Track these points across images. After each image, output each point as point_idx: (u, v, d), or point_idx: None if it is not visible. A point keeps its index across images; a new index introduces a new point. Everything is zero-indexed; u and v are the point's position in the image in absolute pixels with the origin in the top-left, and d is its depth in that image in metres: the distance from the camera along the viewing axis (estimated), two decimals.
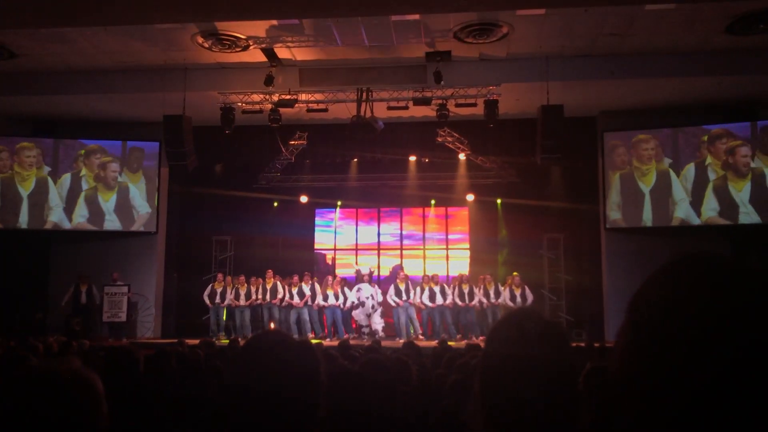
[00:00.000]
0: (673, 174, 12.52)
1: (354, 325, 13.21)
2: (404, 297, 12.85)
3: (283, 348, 1.41)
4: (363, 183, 15.51)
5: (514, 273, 13.05)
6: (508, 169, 14.78)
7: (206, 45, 10.80)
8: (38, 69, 11.80)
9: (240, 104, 12.29)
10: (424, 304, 12.86)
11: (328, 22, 9.87)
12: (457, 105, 11.73)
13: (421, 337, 12.39)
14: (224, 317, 13.30)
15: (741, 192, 11.98)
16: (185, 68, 11.73)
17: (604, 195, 12.97)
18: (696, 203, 12.30)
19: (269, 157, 14.61)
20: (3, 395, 1.27)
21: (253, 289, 13.16)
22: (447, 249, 15.85)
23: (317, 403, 1.39)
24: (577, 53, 11.11)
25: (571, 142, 12.06)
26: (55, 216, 13.46)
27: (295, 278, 13.20)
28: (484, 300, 12.73)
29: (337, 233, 16.19)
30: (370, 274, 13.93)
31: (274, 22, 10.00)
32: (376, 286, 13.39)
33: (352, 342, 9.13)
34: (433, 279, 13.19)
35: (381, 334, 12.43)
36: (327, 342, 11.12)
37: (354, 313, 12.99)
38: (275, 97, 11.98)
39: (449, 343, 8.71)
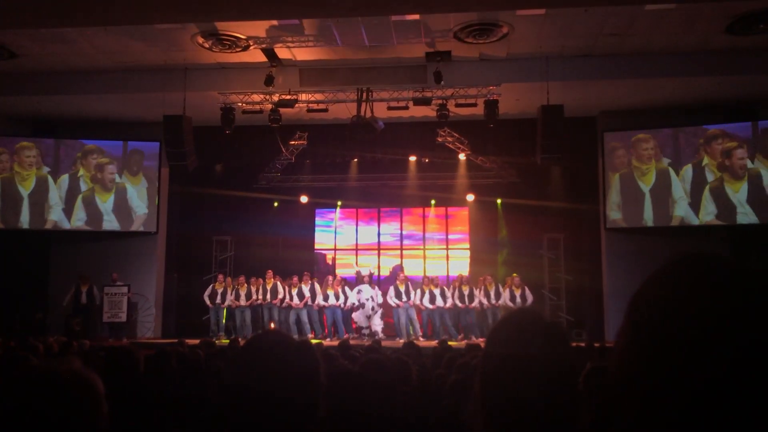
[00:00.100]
0: (672, 172, 12.53)
1: (354, 326, 13.20)
2: (404, 298, 12.85)
3: (283, 348, 1.41)
4: (363, 183, 15.51)
5: (514, 274, 13.05)
6: (508, 169, 14.78)
7: (206, 45, 10.80)
8: (38, 69, 11.80)
9: (240, 104, 12.30)
10: (424, 306, 12.86)
11: (328, 22, 9.88)
12: (457, 105, 11.74)
13: (420, 338, 12.37)
14: (224, 318, 13.30)
15: (738, 193, 12.00)
16: (185, 68, 11.74)
17: (604, 195, 12.97)
18: (694, 204, 12.31)
19: (269, 157, 14.62)
20: (3, 395, 1.27)
21: (253, 290, 13.17)
22: (447, 249, 15.84)
23: (317, 404, 1.39)
24: (577, 53, 11.11)
25: (571, 142, 12.07)
26: (55, 215, 13.47)
27: (295, 279, 13.20)
28: (485, 301, 12.72)
29: (337, 233, 16.19)
30: (371, 275, 13.93)
31: (275, 22, 10.00)
32: (377, 287, 13.38)
33: (352, 342, 9.13)
34: (433, 281, 13.17)
35: (381, 335, 12.42)
36: (327, 342, 11.12)
37: (354, 315, 12.99)
38: (275, 97, 11.98)
39: (449, 343, 8.70)
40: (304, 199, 15.61)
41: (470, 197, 15.11)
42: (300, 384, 1.37)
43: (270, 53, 11.04)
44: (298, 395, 1.36)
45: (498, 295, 12.71)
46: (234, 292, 13.20)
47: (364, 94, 11.83)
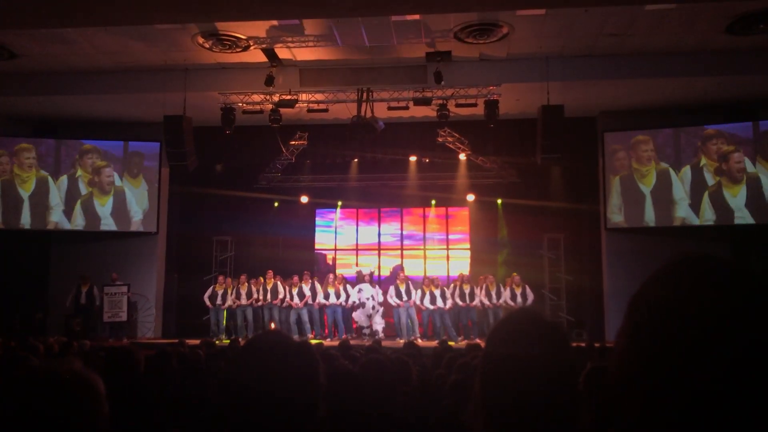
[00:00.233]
0: (672, 173, 12.53)
1: (354, 326, 13.20)
2: (404, 298, 12.84)
3: (283, 349, 1.42)
4: (363, 183, 15.51)
5: (514, 273, 13.05)
6: (508, 169, 14.78)
7: (207, 45, 10.80)
8: (39, 69, 11.81)
9: (240, 104, 12.30)
10: (425, 307, 12.86)
11: (329, 22, 9.88)
12: (458, 105, 11.74)
13: (419, 338, 12.35)
14: (224, 319, 13.29)
15: (736, 197, 12.01)
16: (186, 68, 11.74)
17: (605, 195, 12.97)
18: (695, 206, 12.31)
19: (270, 157, 14.62)
20: (4, 396, 1.27)
21: (254, 289, 13.17)
22: (447, 249, 15.85)
23: (316, 404, 1.39)
24: (577, 53, 11.11)
25: (572, 142, 12.06)
26: (56, 216, 13.48)
27: (295, 279, 13.20)
28: (486, 301, 12.72)
29: (337, 233, 16.19)
30: (371, 274, 13.92)
31: (275, 22, 10.00)
32: (377, 286, 13.38)
33: (352, 342, 9.13)
34: (434, 282, 13.15)
35: (381, 335, 12.42)
36: (327, 342, 11.12)
37: (354, 314, 12.98)
38: (276, 98, 11.99)
39: (449, 343, 8.70)
40: (304, 199, 15.62)
41: (470, 197, 15.11)
42: (299, 384, 1.37)
43: (270, 53, 11.04)
44: (297, 395, 1.36)
45: (499, 295, 12.71)
46: (235, 291, 13.20)
47: (365, 94, 11.83)
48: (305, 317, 12.97)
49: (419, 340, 12.12)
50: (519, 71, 11.42)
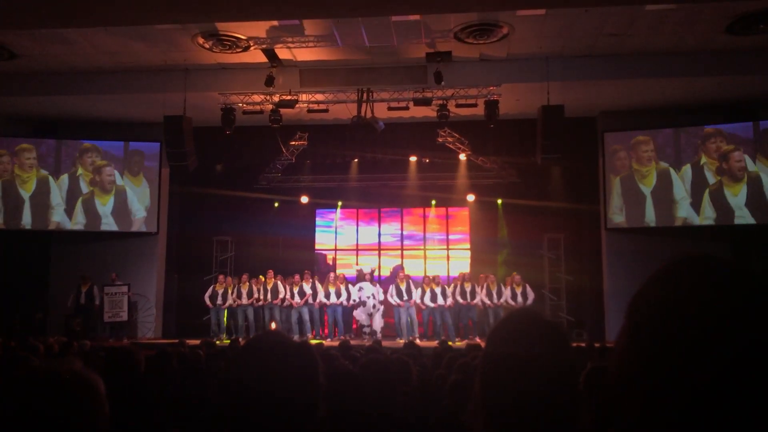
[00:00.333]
0: (673, 172, 12.52)
1: (354, 326, 13.21)
2: (405, 297, 12.85)
3: (282, 349, 1.42)
4: (363, 183, 15.52)
5: (514, 273, 13.06)
6: (508, 169, 14.79)
7: (207, 46, 10.80)
8: (39, 69, 11.81)
9: (240, 105, 12.30)
10: (425, 305, 12.86)
11: (329, 22, 9.88)
12: (458, 105, 11.74)
13: (417, 338, 12.35)
14: (225, 319, 13.29)
15: (737, 197, 12.00)
16: (186, 69, 11.74)
17: (605, 195, 12.97)
18: (696, 205, 12.31)
19: (270, 157, 14.62)
20: (4, 396, 1.27)
21: (255, 288, 13.17)
22: (447, 249, 15.85)
23: (316, 404, 1.39)
24: (578, 53, 11.11)
25: (572, 142, 12.06)
26: (58, 216, 13.48)
27: (297, 277, 13.21)
28: (487, 300, 12.72)
29: (337, 233, 16.20)
30: (372, 273, 13.93)
31: (275, 22, 10.00)
32: (378, 285, 13.39)
33: (352, 342, 9.13)
34: (434, 280, 13.19)
35: (379, 335, 12.41)
36: (328, 342, 11.12)
37: (355, 312, 12.99)
38: (276, 98, 11.99)
39: (449, 343, 8.70)
40: (304, 199, 15.62)
41: (471, 197, 15.12)
42: (299, 384, 1.37)
43: (270, 54, 11.04)
44: (297, 395, 1.36)
45: (500, 294, 12.72)
46: (236, 291, 13.19)
47: (365, 95, 11.83)
48: (306, 317, 12.98)
49: (418, 341, 12.13)
50: (519, 71, 11.42)
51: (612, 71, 11.27)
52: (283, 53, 11.11)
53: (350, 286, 13.21)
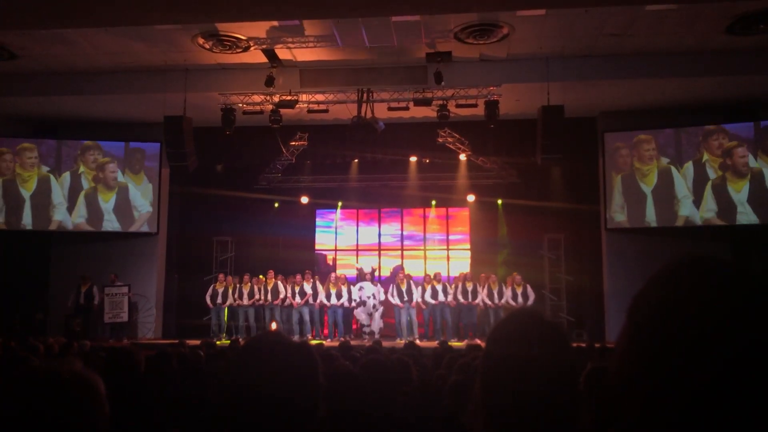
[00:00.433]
0: (674, 171, 12.50)
1: (354, 326, 13.21)
2: (405, 298, 12.85)
3: (282, 349, 1.42)
4: (364, 184, 15.52)
5: (514, 273, 13.06)
6: (508, 169, 14.79)
7: (207, 46, 10.80)
8: (39, 70, 11.81)
9: (241, 105, 12.31)
10: (426, 303, 12.87)
11: (329, 22, 9.88)
12: (458, 105, 11.74)
13: (417, 339, 12.35)
14: (225, 318, 13.28)
15: (740, 192, 11.98)
16: (186, 69, 11.75)
17: (605, 195, 12.97)
18: (697, 202, 12.30)
19: (270, 157, 14.62)
20: (4, 396, 1.27)
21: (256, 288, 13.17)
22: (448, 249, 15.85)
23: (316, 404, 1.39)
24: (578, 54, 11.11)
25: (572, 142, 12.06)
26: (59, 215, 13.47)
27: (298, 277, 13.21)
28: (488, 301, 12.71)
29: (337, 234, 16.20)
30: (372, 272, 13.92)
31: (275, 23, 10.00)
32: (379, 284, 13.38)
33: (353, 343, 9.13)
34: (436, 277, 13.21)
35: (377, 336, 12.41)
36: (328, 342, 11.12)
37: (356, 311, 12.99)
38: (276, 98, 11.99)
39: (450, 343, 8.70)
40: (304, 199, 15.63)
41: (471, 198, 15.12)
42: (299, 385, 1.37)
43: (270, 54, 11.04)
44: (297, 396, 1.36)
45: (501, 294, 12.72)
46: (237, 291, 13.19)
47: (365, 95, 11.84)
48: (306, 317, 12.98)
49: (418, 341, 12.13)
50: (519, 72, 11.42)
51: (612, 71, 11.28)
52: (283, 53, 11.12)
53: (351, 286, 13.21)
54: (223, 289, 13.25)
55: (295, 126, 13.32)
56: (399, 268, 15.10)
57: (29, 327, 12.34)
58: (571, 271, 13.88)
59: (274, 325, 12.91)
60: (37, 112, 13.33)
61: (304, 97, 12.08)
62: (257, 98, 12.23)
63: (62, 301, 12.85)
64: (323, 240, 16.17)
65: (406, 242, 16.00)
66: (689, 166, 12.41)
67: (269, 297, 13.05)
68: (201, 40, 10.62)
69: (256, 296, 13.10)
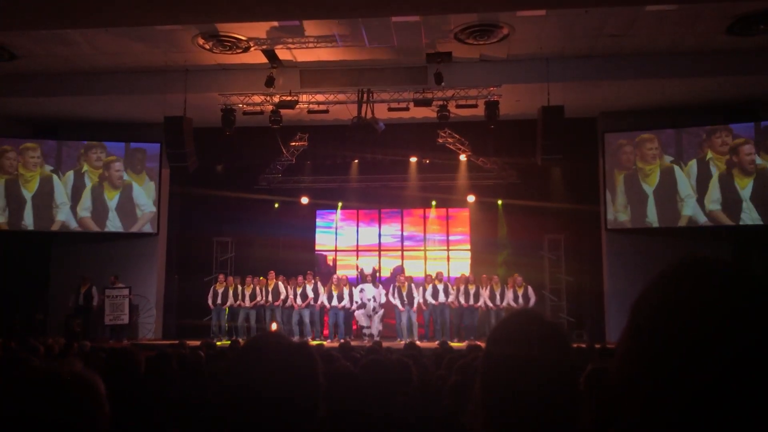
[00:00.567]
0: (677, 170, 12.47)
1: (354, 327, 13.20)
2: (406, 301, 12.85)
3: (282, 350, 1.42)
4: (364, 184, 15.52)
5: (515, 274, 13.05)
6: (508, 170, 14.79)
7: (207, 46, 10.81)
8: (39, 70, 11.81)
9: (241, 105, 12.31)
10: (427, 304, 12.85)
11: (329, 23, 9.88)
12: (458, 106, 11.74)
13: (417, 341, 12.34)
14: (226, 317, 13.26)
15: (744, 189, 11.96)
16: (186, 70, 11.75)
17: (605, 196, 12.97)
18: (701, 198, 12.25)
19: (270, 158, 14.63)
20: (5, 397, 1.27)
21: (258, 290, 13.16)
22: (448, 250, 15.84)
23: (316, 405, 1.40)
24: (578, 54, 11.11)
25: (572, 142, 12.06)
26: (63, 215, 13.44)
27: (300, 279, 13.21)
28: (490, 303, 12.70)
29: (338, 234, 16.20)
30: (374, 273, 13.89)
31: (275, 23, 10.01)
32: (380, 286, 13.36)
33: (353, 344, 9.13)
34: (438, 277, 13.21)
35: (377, 338, 12.40)
36: (328, 343, 11.12)
37: (356, 313, 12.99)
38: (276, 99, 11.99)
39: (450, 344, 8.70)
40: (304, 200, 15.63)
41: (471, 198, 15.12)
42: (299, 385, 1.37)
43: (270, 54, 11.04)
44: (296, 396, 1.36)
45: (503, 296, 12.71)
46: (240, 293, 13.17)
47: (365, 95, 11.84)
48: (307, 319, 12.98)
49: (418, 342, 12.12)
50: (519, 72, 11.42)
51: (612, 72, 11.28)
52: (283, 54, 11.12)
53: (353, 288, 13.20)
54: (223, 289, 13.24)
55: (295, 126, 13.33)
56: (399, 269, 15.10)
57: (29, 327, 12.35)
58: (571, 272, 13.88)
59: (274, 326, 12.90)
60: (37, 112, 13.34)
61: (304, 97, 12.09)
62: (257, 99, 12.23)
63: (62, 302, 12.85)
64: (323, 240, 16.18)
65: (406, 243, 16.00)
66: (693, 164, 12.37)
67: (270, 298, 13.05)
68: (201, 41, 10.63)
69: (258, 298, 13.09)
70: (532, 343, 1.21)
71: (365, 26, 9.96)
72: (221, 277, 13.56)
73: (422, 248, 15.90)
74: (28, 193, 13.34)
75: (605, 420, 2.01)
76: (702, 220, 12.27)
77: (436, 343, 10.17)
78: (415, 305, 12.91)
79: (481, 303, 12.75)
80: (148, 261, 13.90)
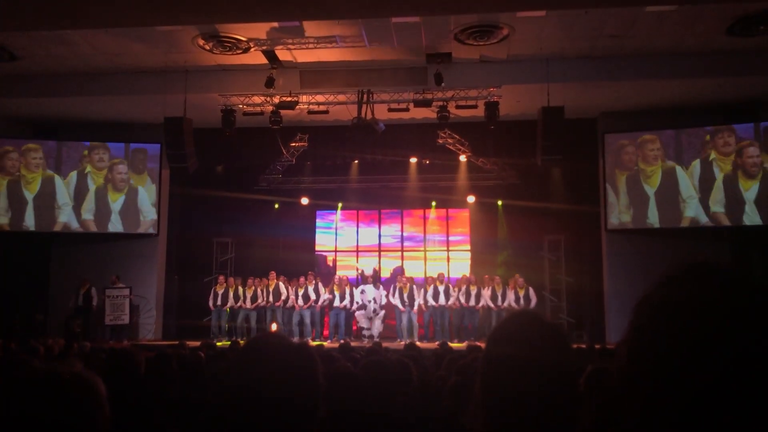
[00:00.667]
0: (679, 170, 12.45)
1: (354, 327, 13.20)
2: (407, 303, 12.84)
3: (282, 350, 1.42)
4: (364, 185, 15.53)
5: (516, 275, 13.05)
6: (508, 170, 14.79)
7: (207, 47, 10.81)
8: (39, 71, 11.81)
9: (241, 106, 12.31)
10: (428, 305, 12.85)
11: (329, 23, 9.89)
12: (458, 107, 11.75)
13: (417, 341, 12.34)
14: (226, 318, 13.26)
15: (748, 191, 11.95)
16: (186, 70, 11.75)
17: (605, 196, 12.96)
18: (704, 199, 12.24)
19: (270, 158, 14.63)
20: (5, 397, 1.27)
21: (259, 291, 13.16)
22: (448, 251, 15.84)
23: (316, 405, 1.40)
24: (578, 55, 11.12)
25: (572, 143, 12.07)
26: (65, 216, 13.42)
27: (301, 279, 13.20)
28: (491, 303, 12.70)
29: (338, 235, 16.20)
30: (375, 274, 13.90)
31: (275, 24, 10.01)
32: (381, 287, 13.35)
33: (353, 344, 9.13)
34: (439, 278, 13.21)
35: (377, 339, 12.40)
36: (328, 344, 11.12)
37: (356, 314, 12.99)
38: (276, 99, 12.00)
39: (450, 345, 8.70)
40: (304, 200, 15.63)
41: (471, 199, 15.12)
42: (299, 385, 1.38)
43: (270, 55, 11.05)
44: (296, 396, 1.36)
45: (504, 296, 12.71)
46: (242, 294, 13.16)
47: (365, 96, 11.84)
48: (307, 319, 12.97)
49: (418, 342, 12.12)
50: (519, 73, 11.43)
51: (612, 72, 11.28)
52: (283, 55, 11.12)
53: (354, 288, 13.20)
54: (223, 290, 13.23)
55: (295, 127, 13.33)
56: (399, 270, 15.10)
57: (29, 328, 12.34)
58: (571, 273, 13.88)
59: (274, 327, 12.90)
60: (37, 113, 13.34)
61: (304, 98, 12.09)
62: (257, 99, 12.24)
63: (62, 303, 12.85)
64: (323, 241, 16.18)
65: (406, 243, 16.00)
66: (696, 164, 12.35)
67: (271, 298, 13.05)
68: (201, 42, 10.63)
69: (259, 300, 13.09)
70: (532, 344, 1.21)
71: (365, 27, 9.97)
72: (221, 278, 13.55)
73: (422, 249, 15.90)
74: (29, 194, 13.32)
75: (605, 421, 2.01)
76: (704, 220, 12.25)
77: (436, 343, 10.17)
78: (416, 306, 12.91)
79: (482, 303, 12.75)
80: (148, 261, 13.90)
